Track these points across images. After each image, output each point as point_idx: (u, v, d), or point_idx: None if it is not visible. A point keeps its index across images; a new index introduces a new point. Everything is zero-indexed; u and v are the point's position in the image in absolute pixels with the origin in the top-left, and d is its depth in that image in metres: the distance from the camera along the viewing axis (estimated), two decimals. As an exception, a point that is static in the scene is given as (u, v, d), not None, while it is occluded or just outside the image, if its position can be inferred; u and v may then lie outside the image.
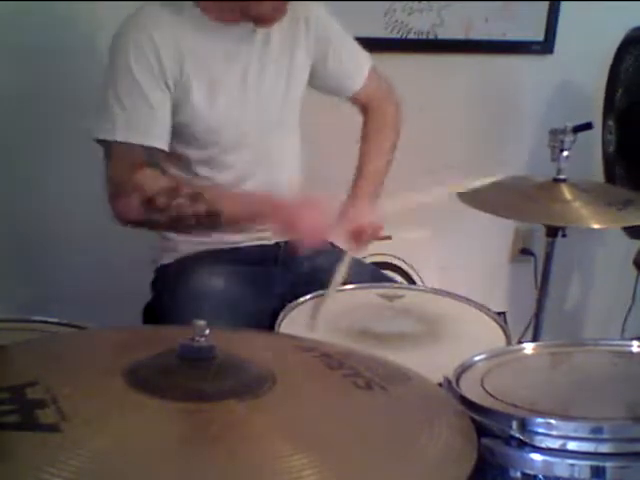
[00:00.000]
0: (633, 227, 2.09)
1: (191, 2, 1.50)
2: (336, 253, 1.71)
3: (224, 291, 1.53)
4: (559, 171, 1.84)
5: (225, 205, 1.44)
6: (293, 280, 1.61)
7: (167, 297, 1.58)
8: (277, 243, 1.66)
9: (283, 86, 1.61)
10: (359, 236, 1.57)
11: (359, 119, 1.78)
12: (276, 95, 1.60)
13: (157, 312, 1.62)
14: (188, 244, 1.61)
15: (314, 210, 1.44)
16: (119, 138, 1.44)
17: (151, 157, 1.46)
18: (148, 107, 1.45)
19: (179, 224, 1.45)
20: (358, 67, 1.72)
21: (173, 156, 1.54)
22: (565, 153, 1.82)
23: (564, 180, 1.84)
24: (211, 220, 1.44)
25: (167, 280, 1.61)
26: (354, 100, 1.75)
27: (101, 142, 1.46)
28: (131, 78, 1.44)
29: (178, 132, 1.51)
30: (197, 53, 1.49)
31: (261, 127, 1.59)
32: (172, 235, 1.62)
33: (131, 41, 1.45)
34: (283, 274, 1.64)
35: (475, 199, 1.80)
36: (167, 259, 1.63)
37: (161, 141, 1.47)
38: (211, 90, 1.51)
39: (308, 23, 1.62)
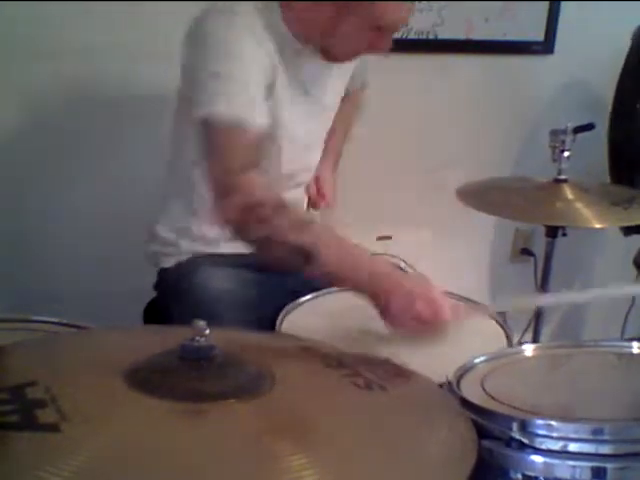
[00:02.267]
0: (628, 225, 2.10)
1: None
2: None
3: (229, 296, 1.52)
4: (560, 171, 1.84)
5: (325, 251, 1.24)
6: (295, 286, 1.60)
7: (170, 301, 1.57)
8: None
9: (333, 105, 1.63)
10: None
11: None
12: (330, 112, 1.63)
13: (161, 315, 1.61)
14: (191, 247, 1.61)
15: (442, 305, 1.24)
16: (225, 111, 1.27)
17: (259, 150, 1.32)
18: (247, 89, 1.33)
19: (266, 247, 1.27)
20: (363, 81, 1.77)
21: None
22: (566, 153, 1.82)
23: (565, 180, 1.84)
24: (301, 259, 1.23)
25: (170, 284, 1.60)
26: None
27: (204, 125, 1.30)
28: (239, 57, 1.33)
29: None
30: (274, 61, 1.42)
31: (314, 142, 1.62)
32: (170, 239, 1.61)
33: (241, 27, 1.35)
34: (285, 280, 1.63)
35: (476, 200, 1.80)
36: (167, 262, 1.62)
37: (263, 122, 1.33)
38: (281, 102, 1.46)
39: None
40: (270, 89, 1.40)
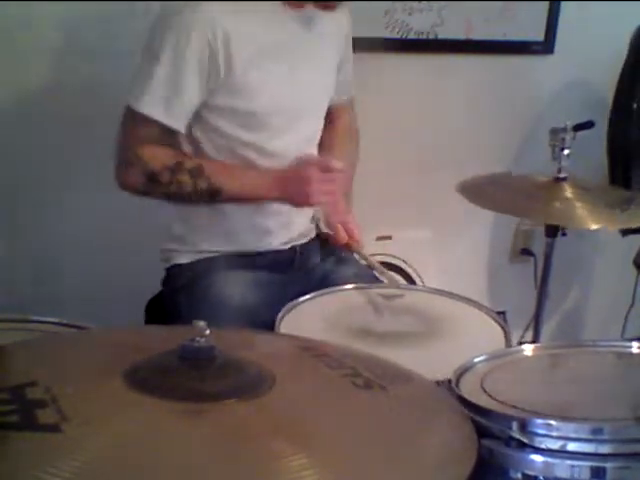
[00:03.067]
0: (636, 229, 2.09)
1: None
2: (344, 257, 1.72)
3: (240, 295, 1.53)
4: (560, 170, 1.83)
5: (226, 181, 1.50)
6: (306, 284, 1.61)
7: (181, 298, 1.58)
8: (292, 248, 1.67)
9: (324, 74, 1.65)
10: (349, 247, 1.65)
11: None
12: (319, 83, 1.64)
13: (168, 311, 1.62)
14: (204, 245, 1.61)
15: (315, 170, 1.50)
16: (142, 109, 1.46)
17: (165, 136, 1.49)
18: (181, 88, 1.46)
19: (179, 198, 1.51)
20: (349, 84, 1.78)
21: (218, 137, 1.55)
22: (566, 152, 1.81)
23: (565, 179, 1.83)
24: (211, 196, 1.50)
25: (182, 281, 1.61)
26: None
27: (129, 110, 1.48)
28: (176, 56, 1.44)
29: (229, 114, 1.53)
30: (252, 39, 1.49)
31: (306, 113, 1.62)
32: (187, 237, 1.62)
33: (187, 20, 1.44)
34: (297, 279, 1.64)
35: (476, 195, 1.79)
36: (182, 259, 1.63)
37: (180, 123, 1.50)
38: (263, 74, 1.51)
39: (342, 28, 1.68)
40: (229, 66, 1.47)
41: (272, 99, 1.54)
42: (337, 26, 1.67)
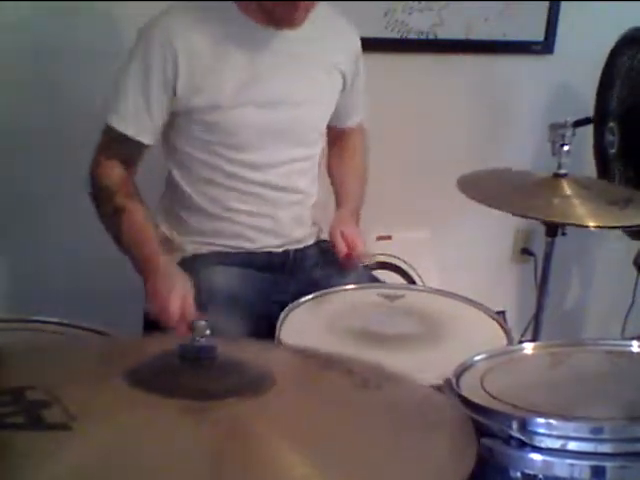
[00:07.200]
0: (633, 227, 2.08)
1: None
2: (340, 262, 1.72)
3: (227, 286, 1.53)
4: (560, 166, 1.83)
5: (124, 239, 1.49)
6: (296, 288, 1.60)
7: None
8: (285, 251, 1.67)
9: (308, 85, 1.61)
10: (350, 258, 1.58)
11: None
12: (297, 96, 1.60)
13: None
14: (194, 245, 1.62)
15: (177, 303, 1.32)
16: (113, 124, 1.51)
17: (135, 149, 1.54)
18: (148, 100, 1.50)
19: (112, 224, 1.51)
20: (360, 108, 1.77)
21: (209, 156, 1.57)
22: (566, 148, 1.81)
23: (565, 175, 1.82)
24: (113, 236, 1.52)
25: None
26: (334, 130, 1.77)
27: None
28: (143, 75, 1.49)
29: (204, 125, 1.54)
30: (220, 56, 1.51)
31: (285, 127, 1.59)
32: (174, 239, 1.63)
33: (153, 39, 1.49)
34: (287, 281, 1.63)
35: (475, 191, 1.78)
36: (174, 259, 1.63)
37: (148, 136, 1.53)
38: (234, 91, 1.52)
39: (349, 48, 1.67)
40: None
41: (237, 111, 1.53)
42: (333, 36, 1.64)
